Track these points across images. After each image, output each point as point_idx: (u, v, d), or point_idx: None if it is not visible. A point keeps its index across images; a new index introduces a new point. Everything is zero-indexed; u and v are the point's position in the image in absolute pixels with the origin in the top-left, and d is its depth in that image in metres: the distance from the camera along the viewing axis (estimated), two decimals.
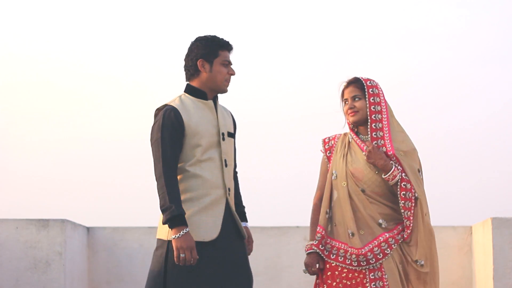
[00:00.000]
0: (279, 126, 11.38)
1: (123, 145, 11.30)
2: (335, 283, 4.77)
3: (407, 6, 11.84)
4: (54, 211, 10.44)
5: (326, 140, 5.02)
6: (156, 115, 4.69)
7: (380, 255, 4.71)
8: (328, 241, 4.82)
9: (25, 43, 11.73)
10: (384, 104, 4.87)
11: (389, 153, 4.78)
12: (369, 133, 4.86)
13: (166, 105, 4.67)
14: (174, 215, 4.46)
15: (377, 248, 4.72)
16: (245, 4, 11.76)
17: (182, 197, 4.55)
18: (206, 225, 4.59)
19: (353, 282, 4.75)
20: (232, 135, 4.79)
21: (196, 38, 4.74)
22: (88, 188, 11.25)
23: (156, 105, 4.70)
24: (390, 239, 4.74)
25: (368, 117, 4.86)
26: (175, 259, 4.49)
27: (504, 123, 11.33)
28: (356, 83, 4.90)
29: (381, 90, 4.90)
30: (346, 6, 11.62)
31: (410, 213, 4.74)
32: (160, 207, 4.53)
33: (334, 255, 4.79)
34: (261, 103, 11.31)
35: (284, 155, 11.25)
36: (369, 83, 4.88)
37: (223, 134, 4.70)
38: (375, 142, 4.83)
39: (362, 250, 4.71)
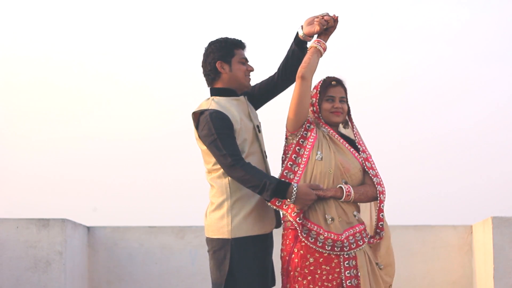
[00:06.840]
0: (277, 126, 11.38)
1: (123, 144, 11.30)
2: (308, 263, 4.70)
3: (407, 6, 11.85)
4: (55, 210, 10.44)
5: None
6: (197, 119, 4.67)
7: (353, 245, 4.73)
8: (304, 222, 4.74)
9: (25, 43, 11.74)
10: None
11: (366, 150, 4.88)
12: (354, 135, 4.92)
13: (204, 110, 4.65)
14: (273, 186, 4.49)
15: (352, 237, 4.74)
16: (246, 5, 11.77)
17: (242, 192, 4.62)
18: (267, 217, 4.69)
19: (327, 267, 4.71)
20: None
21: (209, 43, 4.78)
22: (88, 188, 11.25)
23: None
24: (363, 232, 4.79)
25: (348, 119, 4.93)
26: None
27: (504, 123, 11.34)
28: (342, 84, 4.91)
29: None
30: (345, 6, 11.63)
31: (382, 224, 4.80)
32: (257, 192, 4.54)
33: (306, 236, 4.71)
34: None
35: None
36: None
37: (257, 127, 4.80)
38: (356, 138, 4.91)
39: (341, 236, 4.69)
